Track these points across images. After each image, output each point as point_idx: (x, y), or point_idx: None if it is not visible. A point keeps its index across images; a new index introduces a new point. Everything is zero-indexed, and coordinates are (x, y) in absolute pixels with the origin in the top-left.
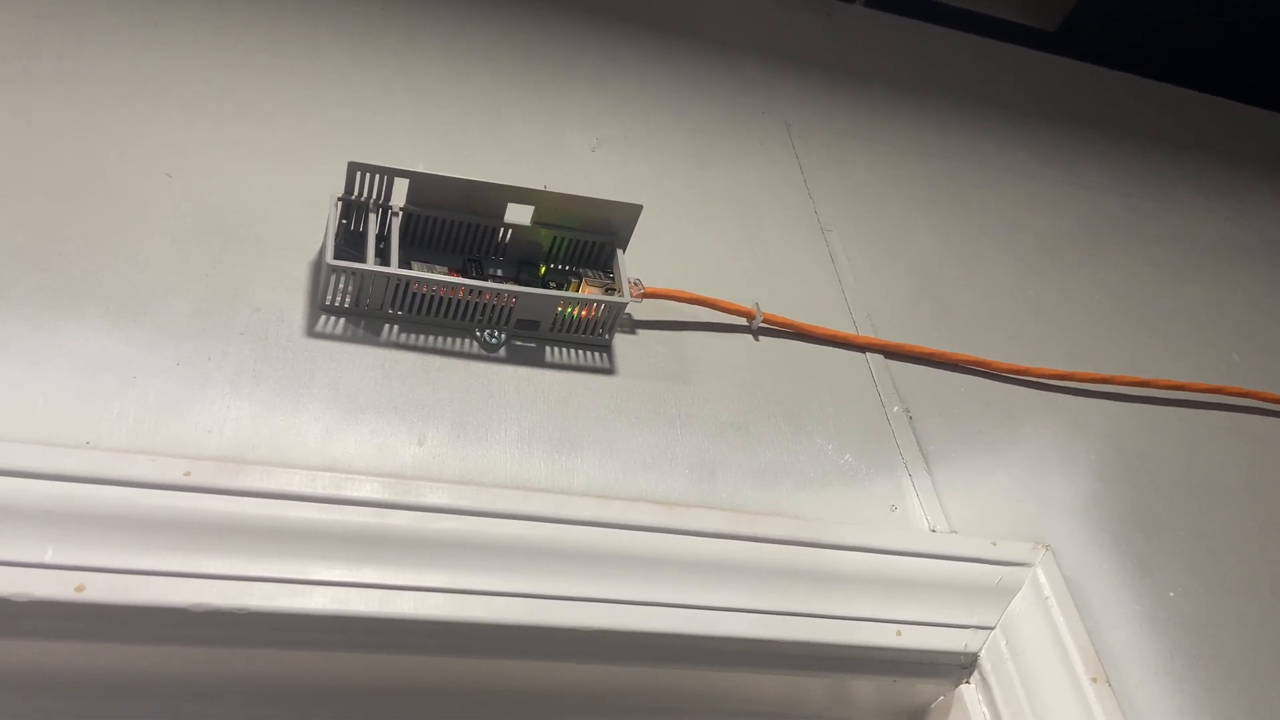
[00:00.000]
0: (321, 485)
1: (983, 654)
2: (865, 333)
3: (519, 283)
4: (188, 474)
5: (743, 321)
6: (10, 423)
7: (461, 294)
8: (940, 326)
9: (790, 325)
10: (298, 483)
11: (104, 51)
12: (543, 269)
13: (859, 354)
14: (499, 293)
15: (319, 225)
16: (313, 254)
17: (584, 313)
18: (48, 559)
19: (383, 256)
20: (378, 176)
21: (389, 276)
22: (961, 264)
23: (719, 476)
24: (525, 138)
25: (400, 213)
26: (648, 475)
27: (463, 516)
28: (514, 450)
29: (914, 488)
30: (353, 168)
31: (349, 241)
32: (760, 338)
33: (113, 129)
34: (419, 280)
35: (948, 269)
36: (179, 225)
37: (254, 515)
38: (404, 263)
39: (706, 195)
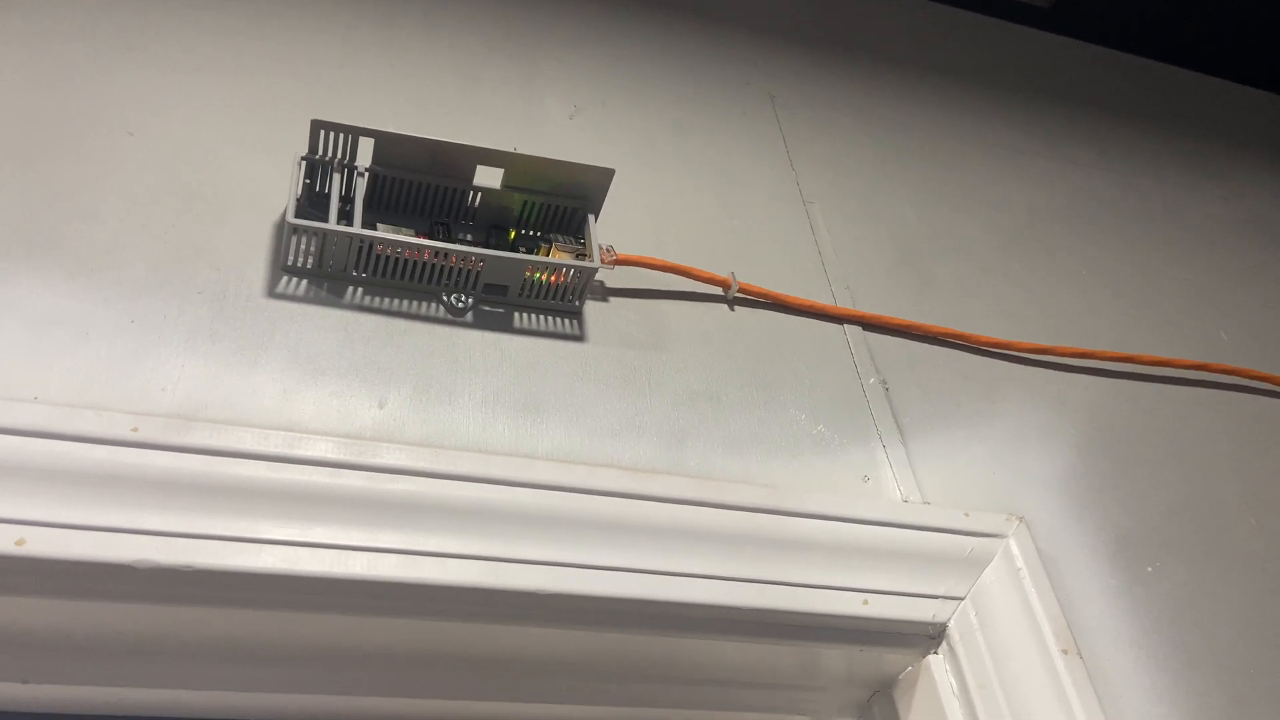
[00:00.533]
0: (274, 444)
1: (951, 624)
2: (844, 304)
3: (488, 247)
4: (135, 429)
5: (718, 291)
6: None
7: (427, 256)
8: (921, 299)
9: (767, 295)
10: (249, 441)
11: (67, 8)
12: (512, 234)
13: (836, 325)
14: (466, 255)
15: (284, 185)
16: (276, 214)
17: (553, 278)
18: None
19: (347, 217)
20: (342, 135)
21: (352, 237)
22: (945, 238)
23: (688, 445)
24: (501, 103)
25: (366, 173)
26: (615, 442)
27: (420, 478)
28: (477, 414)
29: (888, 459)
30: (316, 126)
31: (313, 202)
32: (736, 308)
33: (74, 87)
34: (383, 241)
35: (931, 242)
36: (139, 183)
37: (202, 472)
38: (368, 224)
39: (686, 164)
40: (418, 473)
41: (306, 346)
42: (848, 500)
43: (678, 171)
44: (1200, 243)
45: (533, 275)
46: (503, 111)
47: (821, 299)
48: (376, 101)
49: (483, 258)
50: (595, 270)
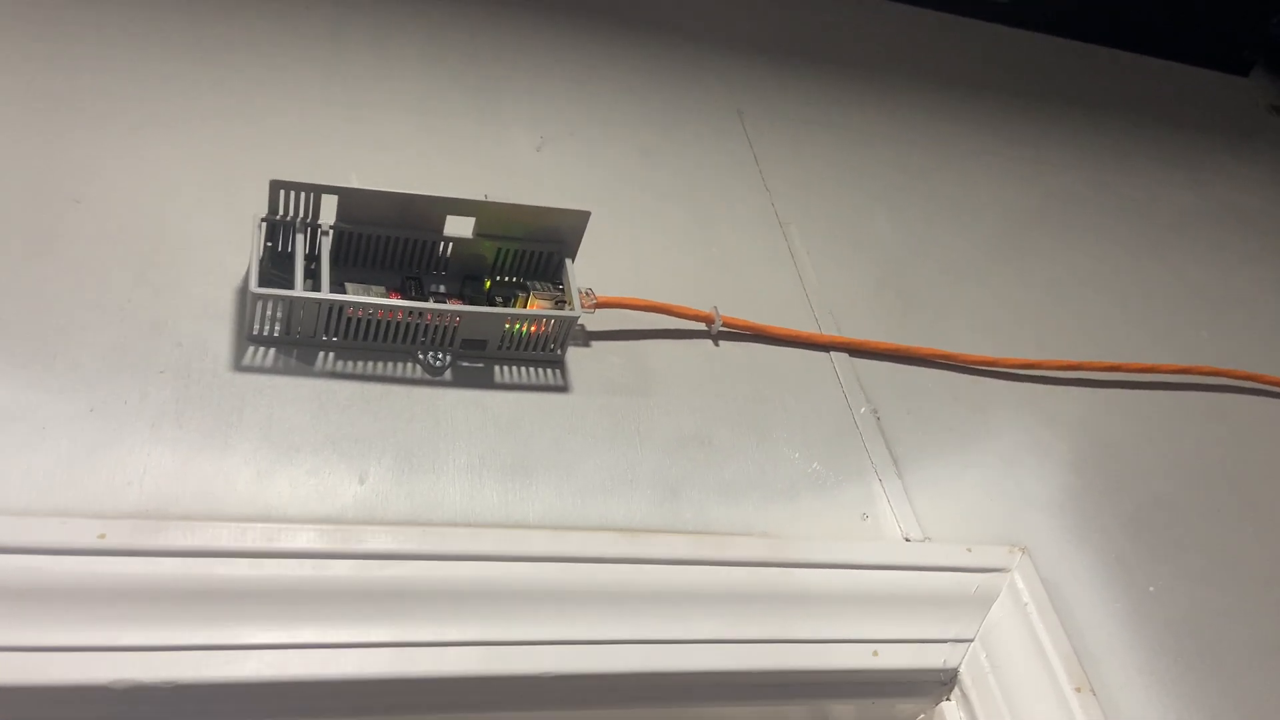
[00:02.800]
0: (252, 538)
1: (962, 669)
2: (829, 331)
3: (463, 300)
4: (102, 536)
5: (701, 326)
6: None
7: (400, 316)
8: (905, 320)
9: (751, 328)
10: (225, 537)
11: None
12: (488, 283)
13: (823, 353)
14: (441, 313)
15: (244, 248)
16: (238, 280)
17: (533, 328)
18: None
19: (313, 279)
20: (303, 194)
21: (319, 302)
22: (924, 253)
23: (682, 496)
24: (467, 139)
25: (330, 231)
26: (608, 500)
27: (409, 561)
28: (463, 481)
29: (885, 493)
30: (275, 186)
31: (276, 264)
32: (720, 343)
33: (10, 153)
34: (353, 304)
35: (910, 259)
36: (89, 256)
37: (177, 576)
38: (336, 285)
39: (658, 193)
40: (406, 555)
41: (279, 422)
42: (850, 546)
43: (651, 200)
44: (1175, 236)
45: (512, 327)
46: (469, 147)
47: (806, 327)
48: (334, 150)
49: (459, 314)
50: (576, 318)
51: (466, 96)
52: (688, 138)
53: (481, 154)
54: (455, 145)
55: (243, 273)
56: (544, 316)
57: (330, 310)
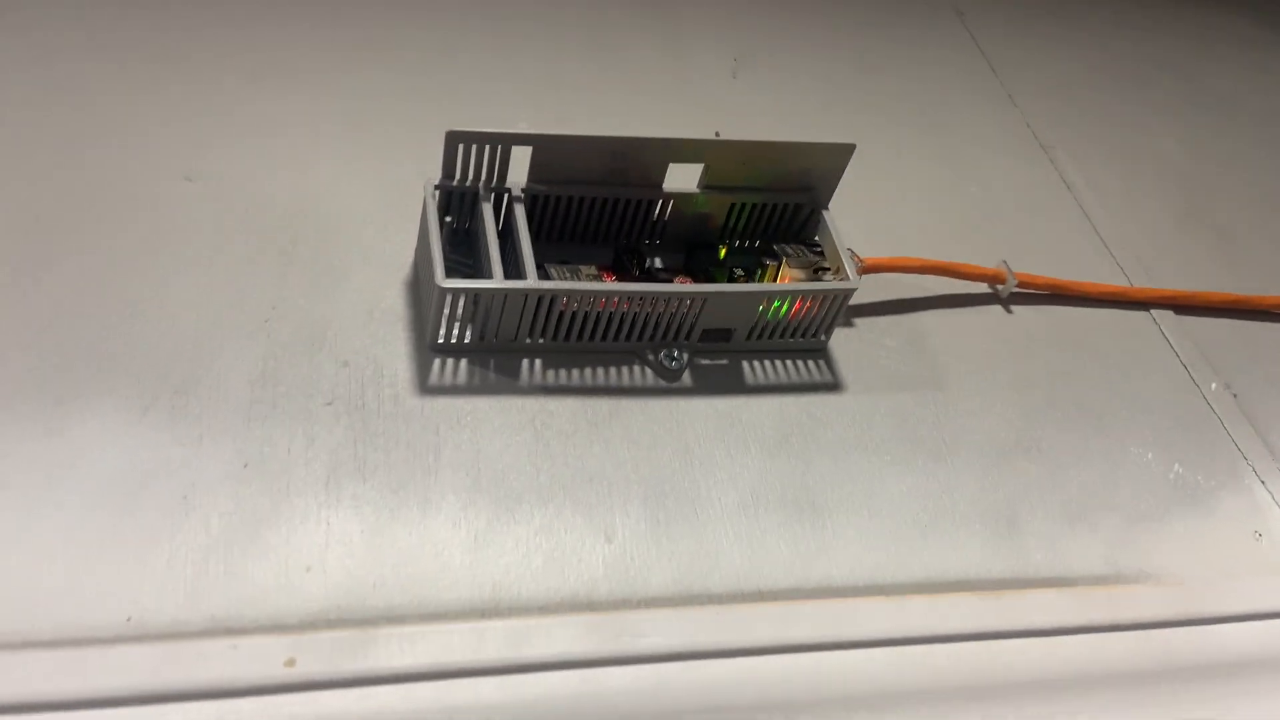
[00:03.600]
0: (493, 645)
1: None
2: (1140, 282)
3: (691, 272)
4: (290, 663)
5: (984, 288)
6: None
7: (630, 305)
8: (1232, 263)
9: (1049, 285)
10: (458, 645)
11: (108, 39)
12: (722, 251)
13: (1142, 312)
14: (682, 297)
15: (405, 229)
16: (405, 271)
17: (795, 308)
18: None
19: (510, 263)
20: (489, 148)
21: (526, 293)
22: (1229, 176)
23: (1022, 527)
24: (641, 69)
25: (523, 196)
26: (930, 543)
27: (677, 664)
28: (736, 528)
29: (1273, 499)
30: (453, 140)
31: (456, 247)
32: (1013, 308)
33: (123, 127)
34: (570, 293)
35: (1214, 185)
36: (209, 250)
37: (387, 710)
38: (540, 269)
39: (887, 117)
40: (677, 655)
41: (489, 460)
42: (1270, 584)
43: (882, 127)
44: None
45: (768, 309)
46: (647, 79)
47: (1111, 278)
48: (489, 91)
49: (704, 296)
50: (853, 291)
51: (636, 14)
52: (906, 45)
53: (661, 86)
54: (630, 76)
55: (409, 261)
56: (814, 291)
57: (539, 303)
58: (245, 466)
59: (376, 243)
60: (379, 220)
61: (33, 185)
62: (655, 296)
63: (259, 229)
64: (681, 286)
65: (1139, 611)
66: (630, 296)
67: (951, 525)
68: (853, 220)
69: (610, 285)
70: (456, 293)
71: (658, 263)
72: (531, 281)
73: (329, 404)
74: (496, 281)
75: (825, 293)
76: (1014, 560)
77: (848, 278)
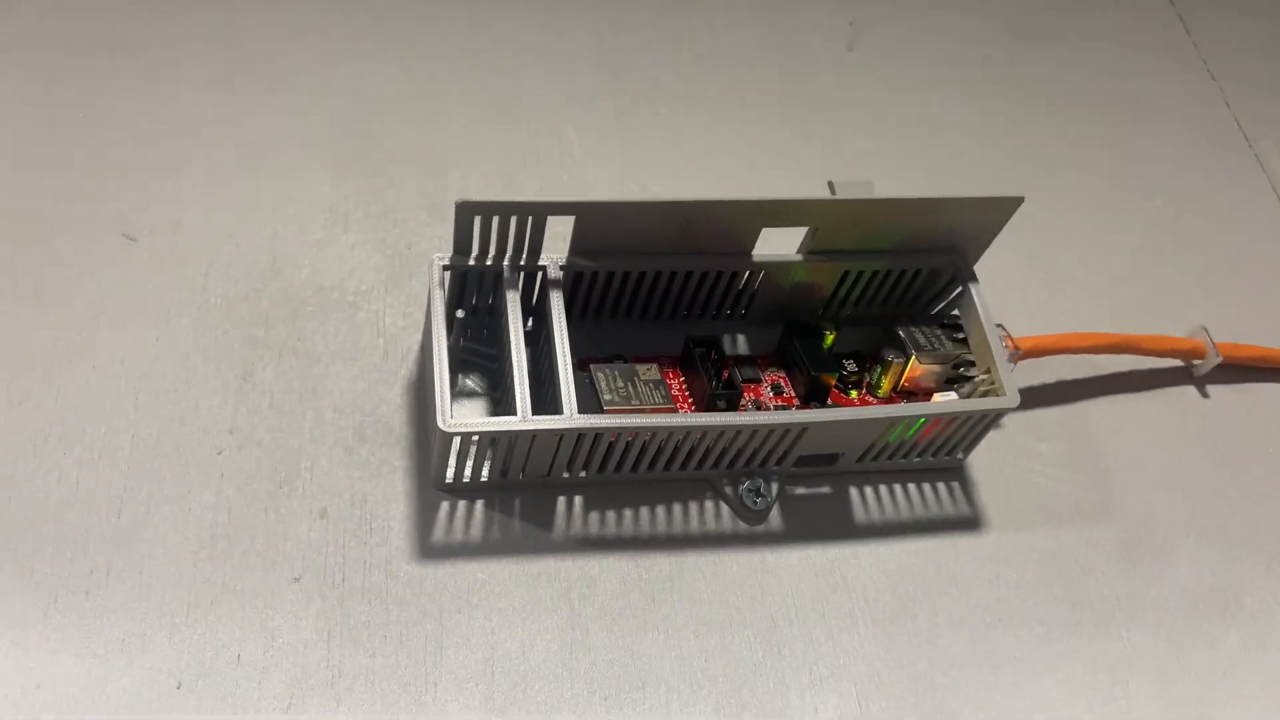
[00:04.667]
0: None
1: None
2: None
3: (785, 362)
4: None
5: (1175, 364)
6: None
7: (700, 436)
8: None
9: (1261, 358)
10: None
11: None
12: (829, 337)
13: None
14: (772, 429)
15: (414, 305)
16: (409, 364)
17: (929, 428)
18: None
19: (545, 367)
20: (515, 220)
21: (561, 434)
22: None
23: None
24: (761, 41)
25: (560, 277)
26: None
27: None
28: None
29: None
30: (465, 212)
31: (475, 332)
32: (1210, 389)
33: (23, 174)
34: (629, 429)
35: None
36: (147, 335)
37: None
38: (582, 369)
39: (1045, 100)
40: None
41: (505, 662)
42: None
43: (1037, 114)
44: None
45: (895, 431)
46: (755, 54)
47: None
48: (504, 96)
49: (806, 425)
50: (1010, 409)
51: None
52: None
53: (772, 63)
54: (742, 51)
55: (414, 349)
56: (964, 414)
57: (579, 438)
58: (179, 687)
59: (369, 325)
60: (376, 295)
61: None
62: (737, 429)
63: (215, 306)
64: (773, 416)
65: None
66: (700, 430)
67: None
68: (993, 263)
69: (678, 419)
70: (466, 436)
71: (740, 344)
72: (568, 418)
73: (297, 579)
74: (520, 420)
75: (978, 414)
76: None
77: (998, 383)
